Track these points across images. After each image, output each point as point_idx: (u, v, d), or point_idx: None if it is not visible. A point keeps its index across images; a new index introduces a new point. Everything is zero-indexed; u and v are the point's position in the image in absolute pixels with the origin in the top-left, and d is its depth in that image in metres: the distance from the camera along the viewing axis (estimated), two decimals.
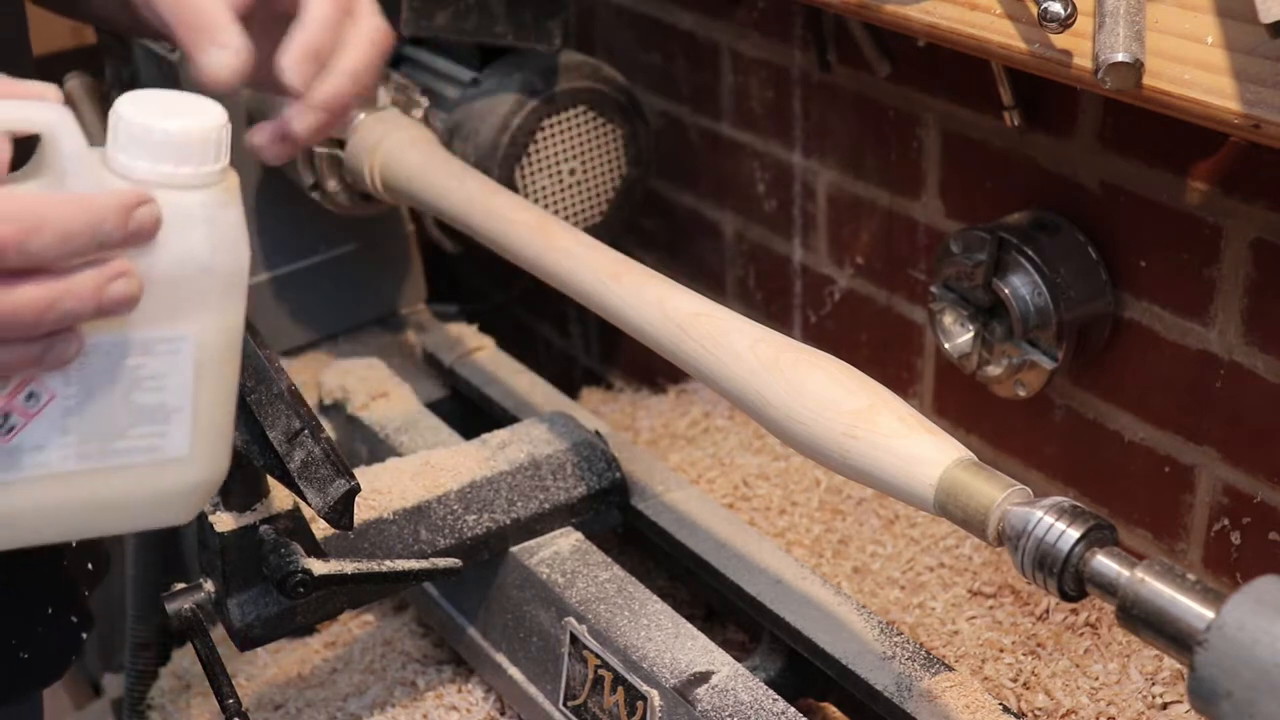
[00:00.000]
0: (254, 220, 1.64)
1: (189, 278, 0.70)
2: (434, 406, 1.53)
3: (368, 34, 0.82)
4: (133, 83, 1.65)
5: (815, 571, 1.24)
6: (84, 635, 1.06)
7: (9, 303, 0.65)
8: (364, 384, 1.51)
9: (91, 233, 0.66)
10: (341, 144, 1.50)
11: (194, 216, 0.70)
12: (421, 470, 1.27)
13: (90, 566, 1.11)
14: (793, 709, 1.08)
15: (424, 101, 1.55)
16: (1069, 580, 0.82)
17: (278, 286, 1.68)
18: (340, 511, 0.99)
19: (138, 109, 0.69)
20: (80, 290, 0.66)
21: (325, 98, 0.80)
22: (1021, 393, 1.34)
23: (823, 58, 1.49)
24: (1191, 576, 0.76)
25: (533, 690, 1.24)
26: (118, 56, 1.68)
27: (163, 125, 0.69)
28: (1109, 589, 0.79)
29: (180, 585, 1.15)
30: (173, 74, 1.57)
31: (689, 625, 1.17)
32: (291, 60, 0.79)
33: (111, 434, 0.72)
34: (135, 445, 0.73)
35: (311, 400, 1.07)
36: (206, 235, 0.70)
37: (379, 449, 1.44)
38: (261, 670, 1.44)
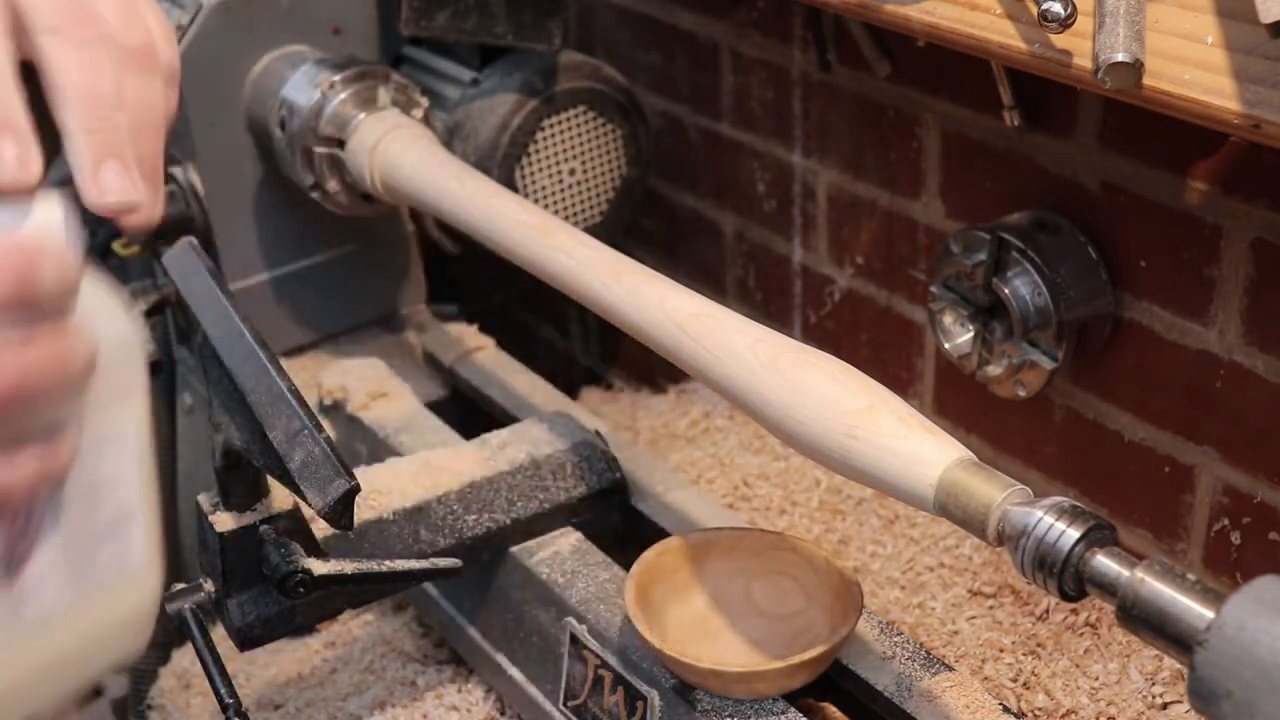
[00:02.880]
0: (254, 220, 1.64)
1: (116, 360, 0.63)
2: (434, 406, 1.53)
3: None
4: None
5: None
6: None
7: None
8: (364, 384, 1.51)
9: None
10: (341, 144, 1.50)
11: (101, 294, 0.63)
12: (421, 470, 1.27)
13: None
14: (793, 709, 1.08)
15: (424, 101, 1.55)
16: (1069, 580, 0.81)
17: (278, 286, 1.68)
18: (340, 511, 0.99)
19: None
20: (48, 354, 0.56)
21: None
22: (1021, 393, 1.34)
23: (823, 58, 1.49)
24: (1191, 576, 0.76)
25: (533, 690, 1.24)
26: None
27: None
28: (1109, 589, 0.79)
29: (180, 585, 1.15)
30: None
31: None
32: None
33: (89, 551, 0.64)
34: (108, 561, 0.65)
35: (311, 400, 1.07)
36: (116, 311, 0.63)
37: (379, 449, 1.44)
38: (261, 670, 1.44)
